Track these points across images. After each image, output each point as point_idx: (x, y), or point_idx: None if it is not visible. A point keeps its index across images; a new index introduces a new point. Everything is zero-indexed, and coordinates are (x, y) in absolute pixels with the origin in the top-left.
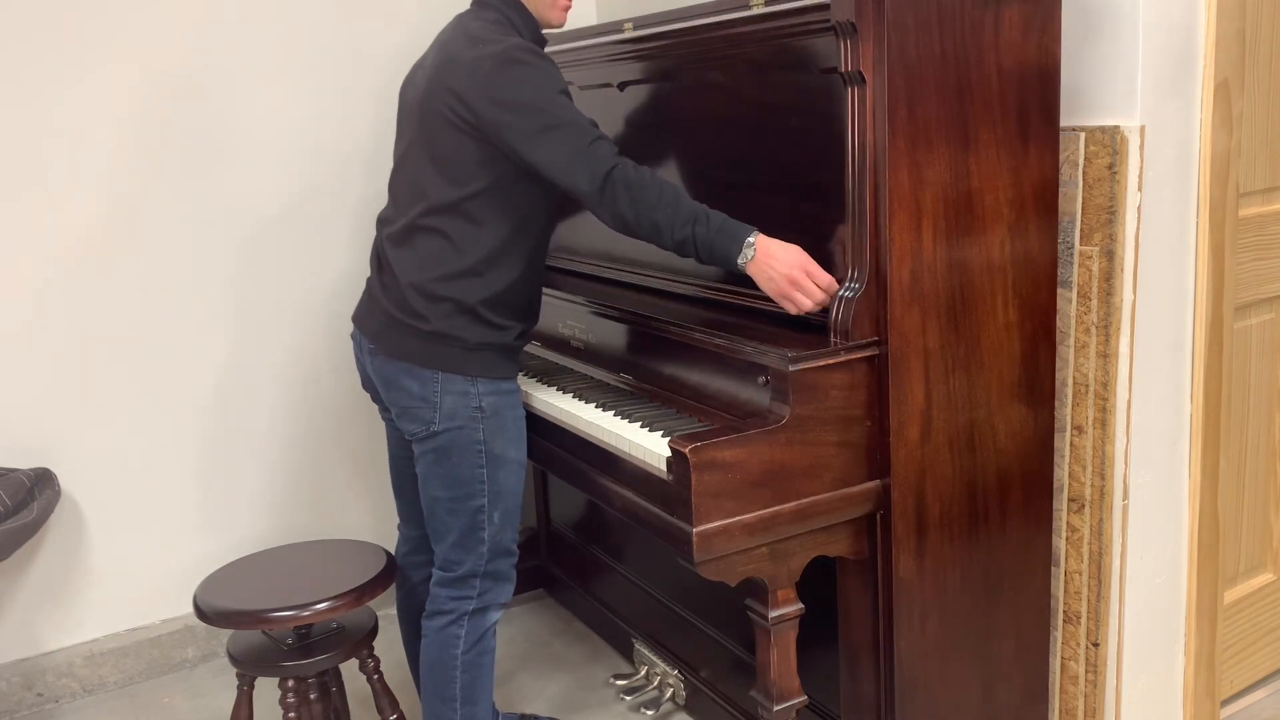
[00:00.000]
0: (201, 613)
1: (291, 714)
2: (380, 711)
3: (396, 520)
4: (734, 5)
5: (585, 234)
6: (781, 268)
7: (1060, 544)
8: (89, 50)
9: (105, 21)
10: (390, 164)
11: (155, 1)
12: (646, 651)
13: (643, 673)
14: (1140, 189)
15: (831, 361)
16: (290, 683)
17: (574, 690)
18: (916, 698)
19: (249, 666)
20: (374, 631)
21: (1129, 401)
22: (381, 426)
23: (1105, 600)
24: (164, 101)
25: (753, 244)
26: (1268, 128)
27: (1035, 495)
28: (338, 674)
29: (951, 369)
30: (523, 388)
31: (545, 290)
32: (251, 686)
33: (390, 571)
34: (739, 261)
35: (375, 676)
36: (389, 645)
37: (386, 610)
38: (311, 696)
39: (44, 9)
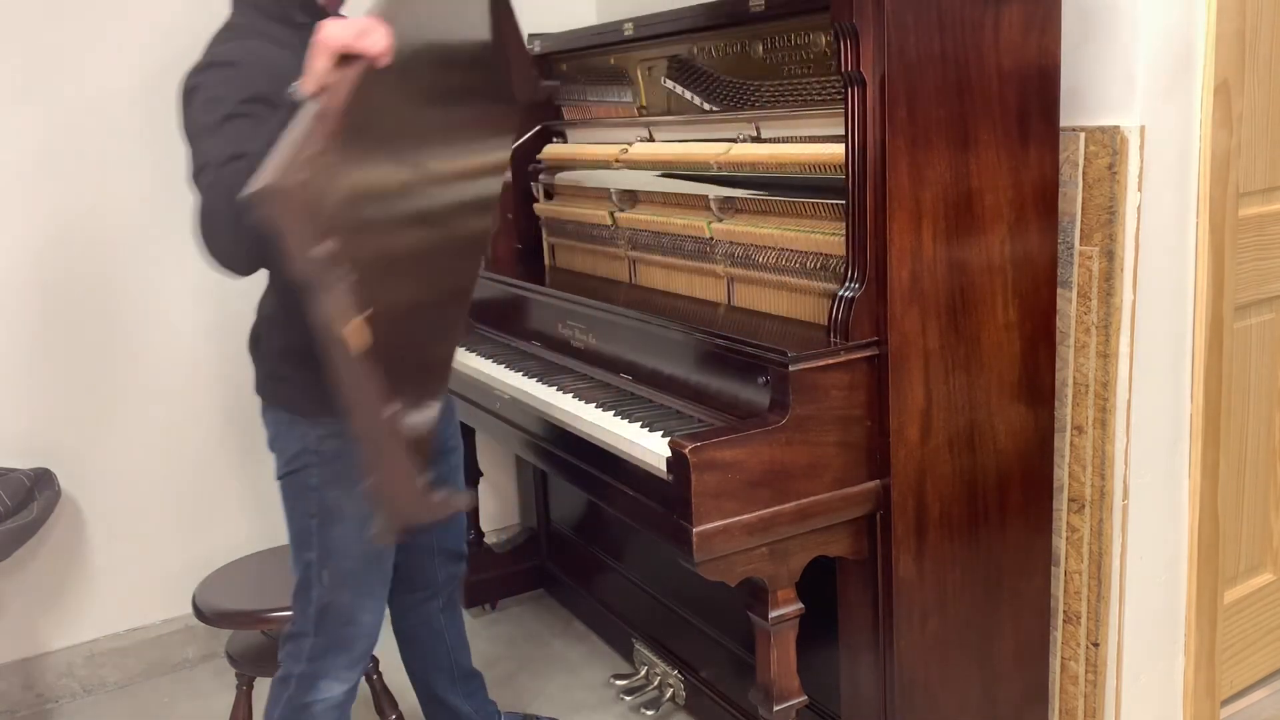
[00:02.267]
0: (200, 613)
1: None
2: (380, 712)
3: None
4: (734, 5)
5: None
6: (336, 39)
7: (1060, 544)
8: (90, 44)
9: (110, 7)
10: None
11: None
12: (646, 651)
13: (643, 673)
14: (1140, 189)
15: (831, 361)
16: None
17: (574, 690)
18: (916, 698)
19: (248, 666)
20: None
21: (1129, 401)
22: None
23: (1105, 600)
24: (166, 101)
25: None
26: (1268, 128)
27: (1035, 495)
28: None
29: (951, 369)
30: (522, 388)
31: (545, 290)
32: (251, 686)
33: None
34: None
35: (375, 676)
36: (389, 646)
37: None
38: None
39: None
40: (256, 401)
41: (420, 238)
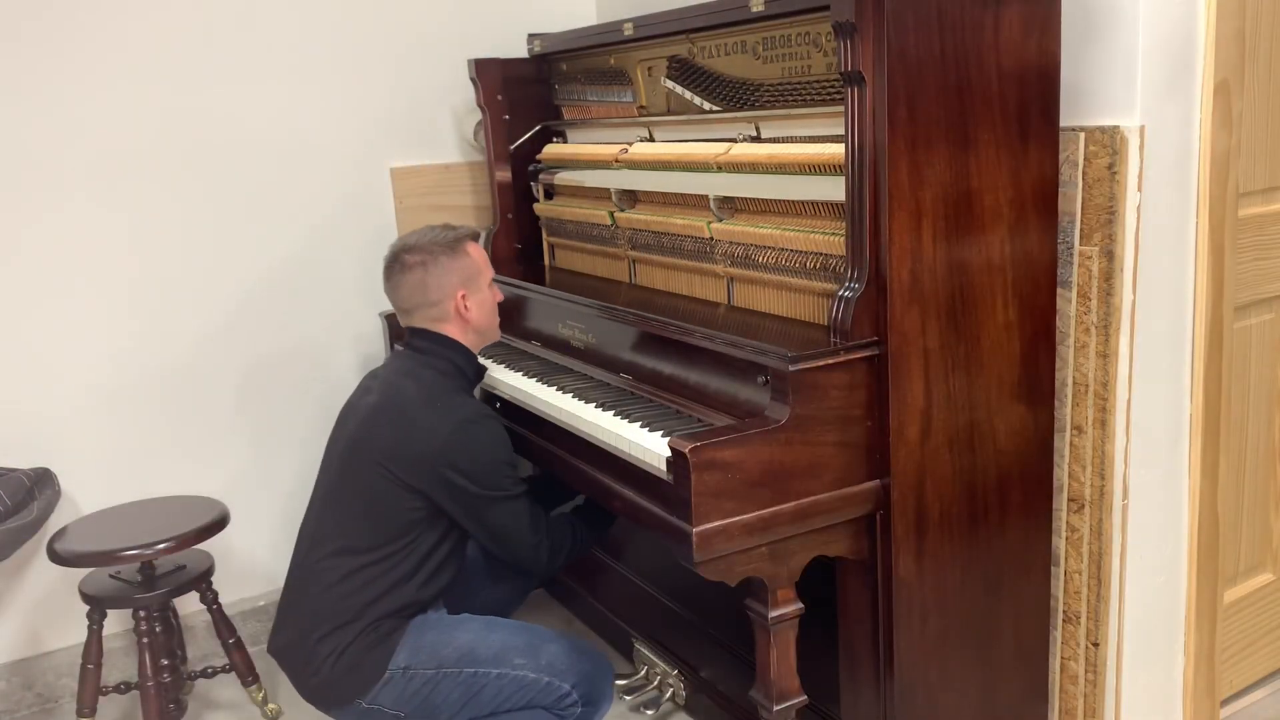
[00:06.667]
0: (57, 555)
1: (145, 639)
2: (219, 635)
3: None
4: (734, 5)
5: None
6: None
7: (1060, 544)
8: (118, 51)
9: (139, 21)
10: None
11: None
12: (646, 651)
13: (643, 673)
14: (1140, 189)
15: (831, 361)
16: (141, 613)
17: None
18: (916, 698)
19: (101, 602)
20: (211, 570)
21: (1129, 401)
22: None
23: (1105, 600)
24: (169, 101)
25: None
26: (1268, 128)
27: (1035, 495)
28: (175, 610)
29: (951, 369)
30: (523, 388)
31: (545, 290)
32: (101, 626)
33: (222, 520)
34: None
35: (214, 607)
36: (225, 582)
37: (221, 554)
38: (157, 629)
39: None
40: (257, 400)
41: None
